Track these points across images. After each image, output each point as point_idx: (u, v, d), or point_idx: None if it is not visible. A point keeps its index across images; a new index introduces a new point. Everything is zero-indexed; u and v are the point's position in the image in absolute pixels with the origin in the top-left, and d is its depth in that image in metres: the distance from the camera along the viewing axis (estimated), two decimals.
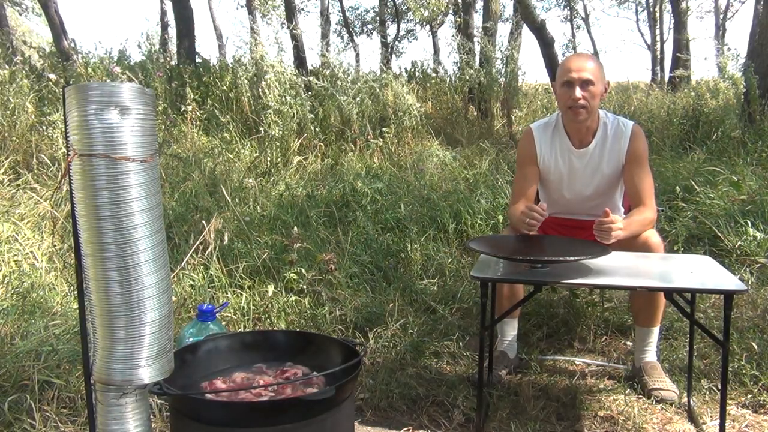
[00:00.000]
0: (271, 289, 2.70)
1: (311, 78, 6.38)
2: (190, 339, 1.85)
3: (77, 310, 1.59)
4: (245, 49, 7.08)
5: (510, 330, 2.36)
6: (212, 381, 1.47)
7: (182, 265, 2.77)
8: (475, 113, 7.74)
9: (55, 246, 3.02)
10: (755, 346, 2.30)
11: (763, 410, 2.01)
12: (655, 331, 2.23)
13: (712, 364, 2.29)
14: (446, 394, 2.10)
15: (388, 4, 19.89)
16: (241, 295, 2.68)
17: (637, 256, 2.01)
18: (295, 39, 8.49)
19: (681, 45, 11.33)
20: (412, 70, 9.14)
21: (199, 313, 1.92)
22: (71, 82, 5.94)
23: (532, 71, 46.80)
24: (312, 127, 5.85)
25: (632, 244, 2.07)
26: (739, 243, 3.20)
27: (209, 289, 2.71)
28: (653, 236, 2.12)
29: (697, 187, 3.88)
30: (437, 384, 2.18)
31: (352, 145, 5.99)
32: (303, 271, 2.81)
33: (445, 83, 8.31)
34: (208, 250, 2.82)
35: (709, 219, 3.50)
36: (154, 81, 6.34)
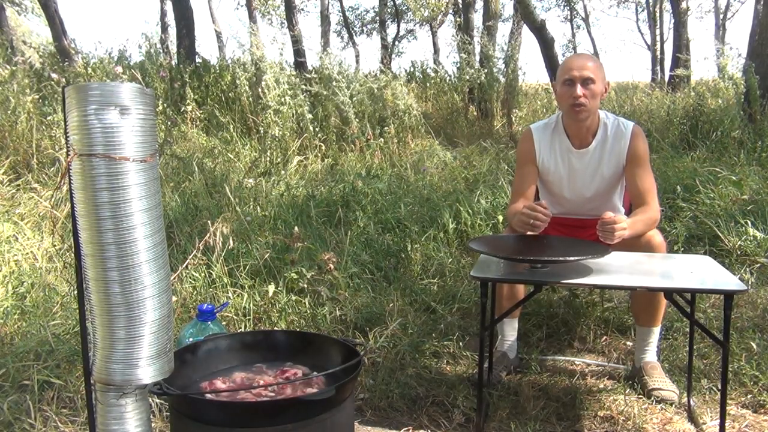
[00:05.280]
0: (271, 289, 2.70)
1: (310, 77, 6.38)
2: (190, 339, 1.85)
3: (77, 310, 1.59)
4: (245, 49, 7.09)
5: (510, 330, 2.36)
6: (212, 381, 1.47)
7: (185, 265, 2.77)
8: (475, 113, 7.74)
9: (55, 246, 3.02)
10: (755, 346, 2.30)
11: (763, 410, 2.00)
12: (656, 331, 2.23)
13: (712, 364, 2.29)
14: (446, 394, 2.10)
15: (388, 4, 19.89)
16: (242, 295, 2.68)
17: (637, 256, 2.01)
18: (295, 39, 8.50)
19: (681, 45, 11.30)
20: (412, 69, 9.15)
21: (199, 313, 1.92)
22: (71, 82, 5.94)
23: (532, 71, 46.80)
24: (312, 127, 5.85)
25: (635, 244, 2.07)
26: (739, 243, 3.20)
27: (210, 289, 2.71)
28: (656, 236, 2.12)
29: (699, 186, 3.88)
30: (437, 384, 2.18)
31: (352, 145, 5.99)
32: (303, 270, 2.81)
33: (445, 83, 8.31)
34: (214, 254, 2.81)
35: (709, 219, 3.50)
36: (154, 81, 6.34)
